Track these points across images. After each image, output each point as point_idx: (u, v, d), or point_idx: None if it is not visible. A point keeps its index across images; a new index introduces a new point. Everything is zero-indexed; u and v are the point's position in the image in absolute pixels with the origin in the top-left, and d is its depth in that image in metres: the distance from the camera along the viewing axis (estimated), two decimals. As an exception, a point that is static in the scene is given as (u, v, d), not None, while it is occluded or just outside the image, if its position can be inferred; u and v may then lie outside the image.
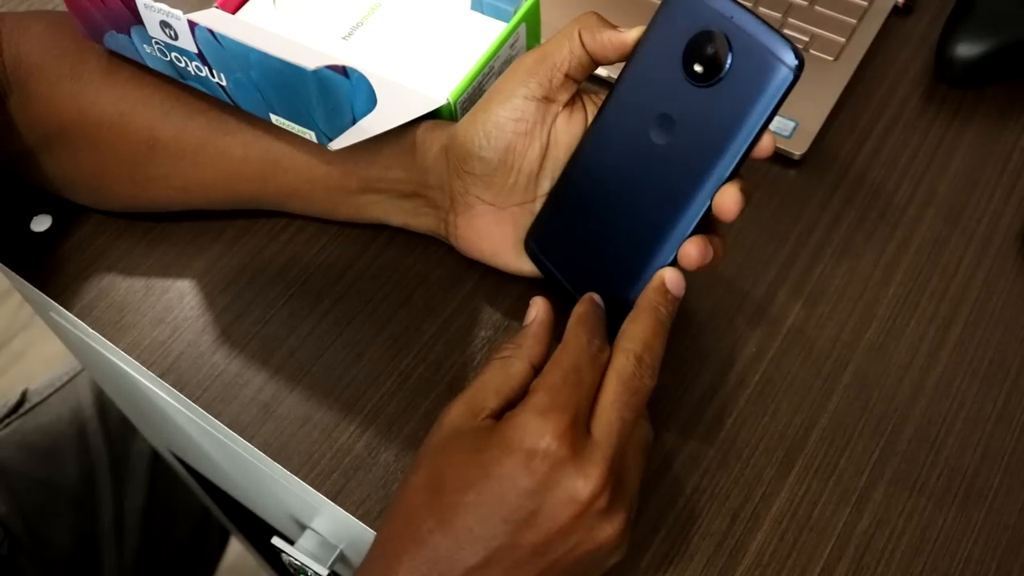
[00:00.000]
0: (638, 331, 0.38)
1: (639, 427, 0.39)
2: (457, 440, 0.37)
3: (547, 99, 0.41)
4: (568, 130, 0.42)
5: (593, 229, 0.42)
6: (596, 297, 0.41)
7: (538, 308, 0.41)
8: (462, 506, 0.35)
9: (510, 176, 0.43)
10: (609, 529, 0.36)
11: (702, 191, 0.38)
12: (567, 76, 0.41)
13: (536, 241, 0.44)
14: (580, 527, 0.36)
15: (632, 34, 0.40)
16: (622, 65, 0.41)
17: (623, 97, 0.41)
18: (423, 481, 0.37)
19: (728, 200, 0.37)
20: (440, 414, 0.39)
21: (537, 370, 0.39)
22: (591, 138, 0.42)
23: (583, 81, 0.42)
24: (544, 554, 0.36)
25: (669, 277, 0.39)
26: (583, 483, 0.35)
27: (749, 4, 0.57)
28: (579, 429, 0.36)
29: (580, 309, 0.40)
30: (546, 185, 0.44)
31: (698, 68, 0.38)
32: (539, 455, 0.35)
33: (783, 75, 0.36)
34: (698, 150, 0.38)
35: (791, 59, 0.36)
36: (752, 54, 0.36)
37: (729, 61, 0.37)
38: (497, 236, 0.45)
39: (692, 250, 0.39)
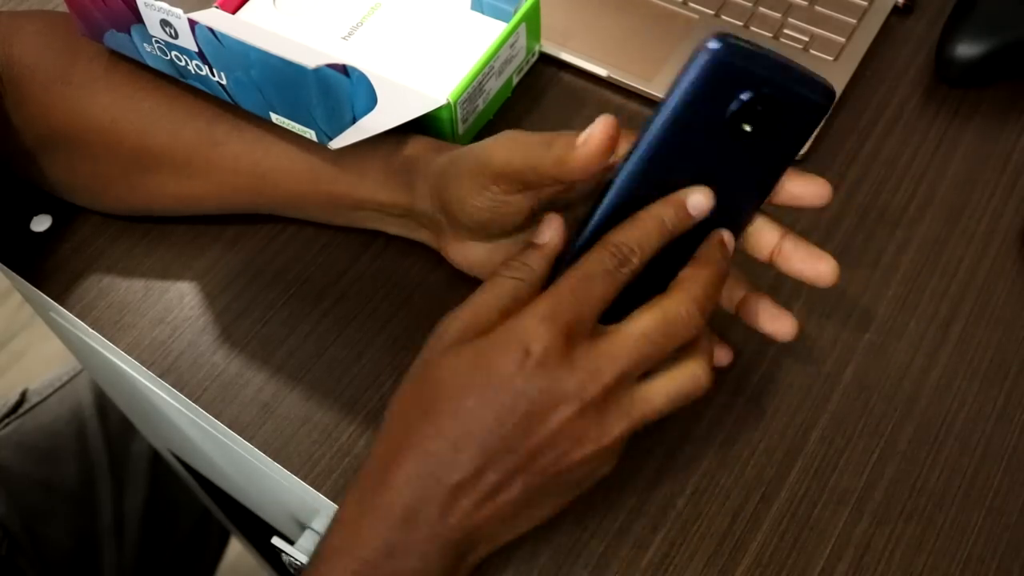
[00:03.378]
0: (702, 276, 0.37)
1: (688, 365, 0.38)
2: (456, 352, 0.37)
3: (522, 191, 0.39)
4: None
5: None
6: (666, 212, 0.37)
7: (553, 230, 0.39)
8: (460, 411, 0.36)
9: (491, 233, 0.42)
10: (601, 438, 0.36)
11: (741, 223, 0.39)
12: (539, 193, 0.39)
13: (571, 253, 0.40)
14: (569, 431, 0.36)
15: (598, 131, 0.36)
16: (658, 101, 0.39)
17: (655, 152, 0.37)
18: (419, 391, 0.37)
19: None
20: (437, 328, 0.38)
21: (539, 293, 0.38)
22: (623, 183, 0.38)
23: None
24: (538, 457, 0.36)
25: (726, 236, 0.39)
26: (574, 386, 0.35)
27: (749, 4, 0.57)
28: (580, 336, 0.36)
29: (637, 216, 0.37)
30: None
31: (746, 127, 0.37)
32: (533, 356, 0.35)
33: (819, 111, 0.37)
34: (739, 191, 0.39)
35: (826, 98, 0.37)
36: (792, 104, 0.37)
37: (772, 117, 0.37)
38: (489, 264, 0.43)
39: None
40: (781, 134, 0.38)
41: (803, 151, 0.52)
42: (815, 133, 0.37)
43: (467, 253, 0.44)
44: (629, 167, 0.37)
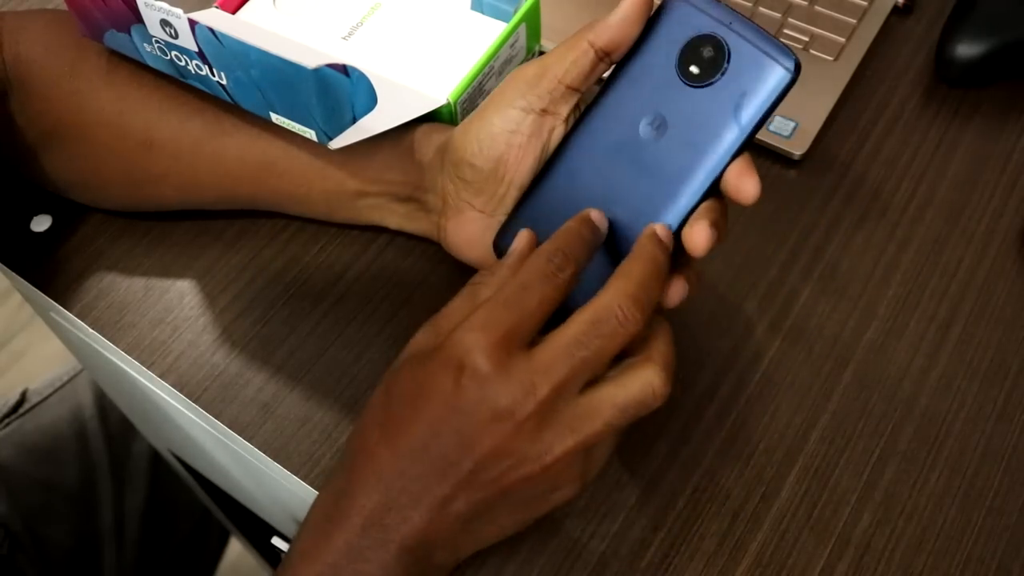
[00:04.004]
0: (635, 270, 0.36)
1: (638, 371, 0.36)
2: (410, 365, 0.37)
3: (545, 111, 0.40)
4: None
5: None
6: (595, 215, 0.38)
7: (520, 239, 0.40)
8: (405, 421, 0.36)
9: (501, 185, 0.42)
10: (542, 456, 0.35)
11: (691, 189, 0.38)
12: (568, 87, 0.40)
13: (506, 239, 0.42)
14: (509, 449, 0.35)
15: (634, 3, 0.38)
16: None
17: (613, 96, 0.40)
18: (379, 400, 0.38)
19: (697, 235, 0.37)
20: (416, 333, 0.39)
21: None
22: (577, 135, 0.41)
23: (584, 91, 0.41)
24: (479, 473, 0.35)
25: (660, 229, 0.38)
26: (508, 402, 0.34)
27: (749, 4, 0.57)
28: (511, 346, 0.35)
29: (564, 226, 0.38)
30: None
31: (694, 69, 0.38)
32: (466, 371, 0.35)
33: (780, 76, 0.37)
34: (690, 149, 0.38)
35: (789, 62, 0.36)
36: (750, 57, 0.37)
37: (727, 63, 0.37)
38: (486, 242, 0.44)
39: (699, 236, 0.37)
40: (739, 91, 0.37)
41: (803, 152, 0.52)
42: (776, 104, 0.37)
43: (466, 229, 0.44)
44: (590, 113, 0.40)
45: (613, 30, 0.38)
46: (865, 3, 0.57)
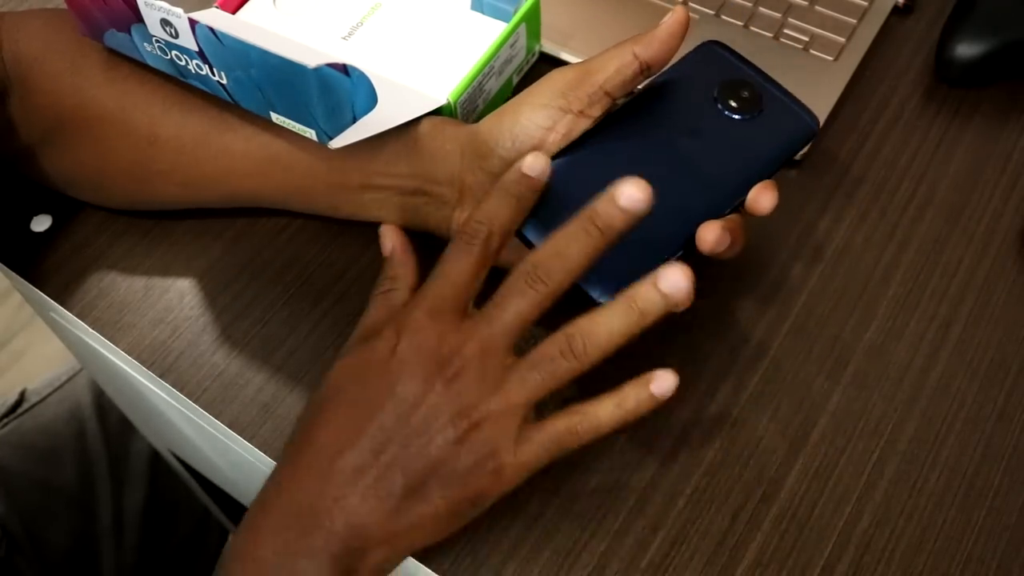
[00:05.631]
0: (554, 238, 0.38)
1: (546, 342, 0.37)
2: (346, 353, 0.40)
3: (581, 113, 0.41)
4: None
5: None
6: (510, 182, 0.39)
7: (390, 237, 0.44)
8: (343, 403, 0.38)
9: None
10: (469, 411, 0.36)
11: (711, 206, 0.40)
12: (607, 93, 0.41)
13: (534, 229, 0.42)
14: (438, 411, 0.36)
15: (679, 15, 0.40)
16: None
17: (646, 108, 0.42)
18: (317, 397, 0.40)
19: (709, 234, 0.39)
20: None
21: (414, 291, 0.41)
22: (606, 135, 0.42)
23: (619, 99, 0.42)
24: (413, 438, 0.36)
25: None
26: (436, 364, 0.37)
27: (749, 4, 0.57)
28: (442, 315, 0.38)
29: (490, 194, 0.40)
30: None
31: (733, 103, 0.42)
32: (402, 341, 0.38)
33: (807, 129, 0.42)
34: (718, 165, 0.41)
35: (814, 121, 0.42)
36: (782, 108, 0.42)
37: (762, 105, 0.42)
38: None
39: (708, 234, 0.39)
40: (771, 131, 0.41)
41: (803, 152, 0.52)
42: (795, 154, 0.42)
43: None
44: (620, 117, 0.42)
45: (659, 44, 0.40)
46: (865, 3, 0.57)
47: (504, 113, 0.42)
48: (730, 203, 0.40)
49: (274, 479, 0.38)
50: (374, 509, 0.36)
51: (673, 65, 0.42)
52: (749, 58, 0.44)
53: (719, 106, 0.42)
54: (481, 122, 0.43)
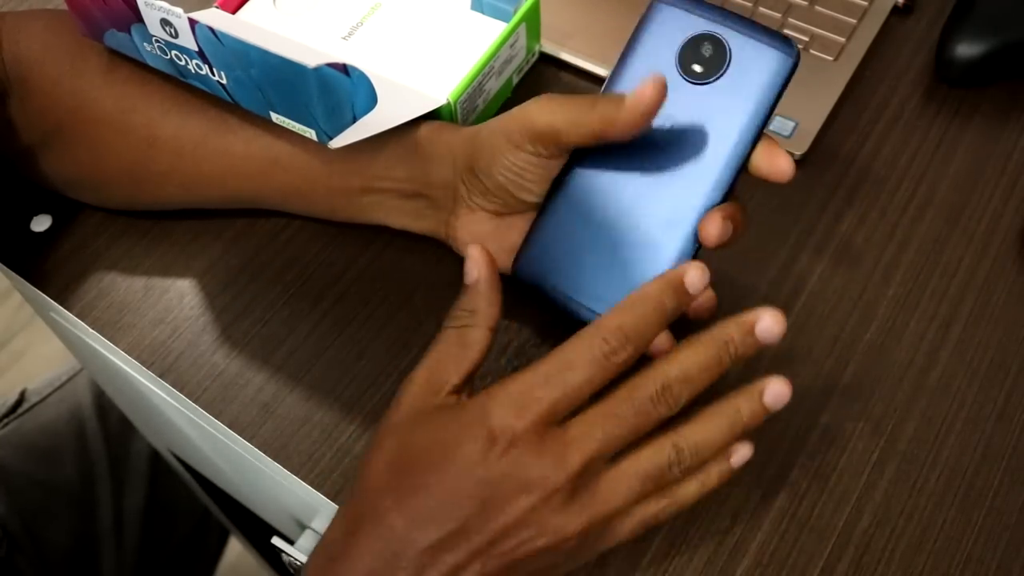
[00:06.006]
0: (689, 358, 0.35)
1: (651, 454, 0.35)
2: (420, 419, 0.36)
3: (555, 155, 0.40)
4: None
5: (595, 239, 0.41)
6: (692, 275, 0.36)
7: (478, 264, 0.38)
8: (421, 487, 0.35)
9: (512, 198, 0.42)
10: (564, 527, 0.34)
11: (713, 186, 0.39)
12: (577, 144, 0.40)
13: (527, 266, 0.42)
14: (531, 520, 0.34)
15: (648, 92, 0.37)
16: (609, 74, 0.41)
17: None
18: (385, 460, 0.36)
19: (711, 227, 0.38)
20: (399, 390, 0.38)
21: (494, 332, 0.38)
22: (588, 153, 0.41)
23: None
24: (497, 544, 0.34)
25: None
26: (536, 473, 0.34)
27: (749, 4, 0.57)
28: (549, 423, 0.34)
29: (640, 291, 0.36)
30: None
31: (697, 68, 0.38)
32: (498, 444, 0.34)
33: (783, 62, 0.38)
34: (707, 147, 0.38)
35: (789, 47, 0.38)
36: (751, 49, 0.38)
37: (729, 58, 0.38)
38: (495, 242, 0.44)
39: (712, 228, 0.38)
40: (745, 83, 0.38)
41: (803, 152, 0.52)
42: (782, 92, 0.38)
43: (475, 228, 0.44)
44: None
45: (625, 120, 0.37)
46: (865, 3, 0.57)
47: (484, 141, 0.41)
48: (728, 183, 0.39)
49: (340, 543, 0.36)
50: None
51: (630, 44, 0.40)
52: None
53: (684, 77, 0.39)
54: (469, 136, 0.42)
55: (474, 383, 0.38)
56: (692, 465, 0.36)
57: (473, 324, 0.37)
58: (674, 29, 0.39)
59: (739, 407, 0.36)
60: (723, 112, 0.38)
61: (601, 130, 0.38)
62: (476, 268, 0.38)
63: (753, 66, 0.38)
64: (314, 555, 0.37)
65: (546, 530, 0.34)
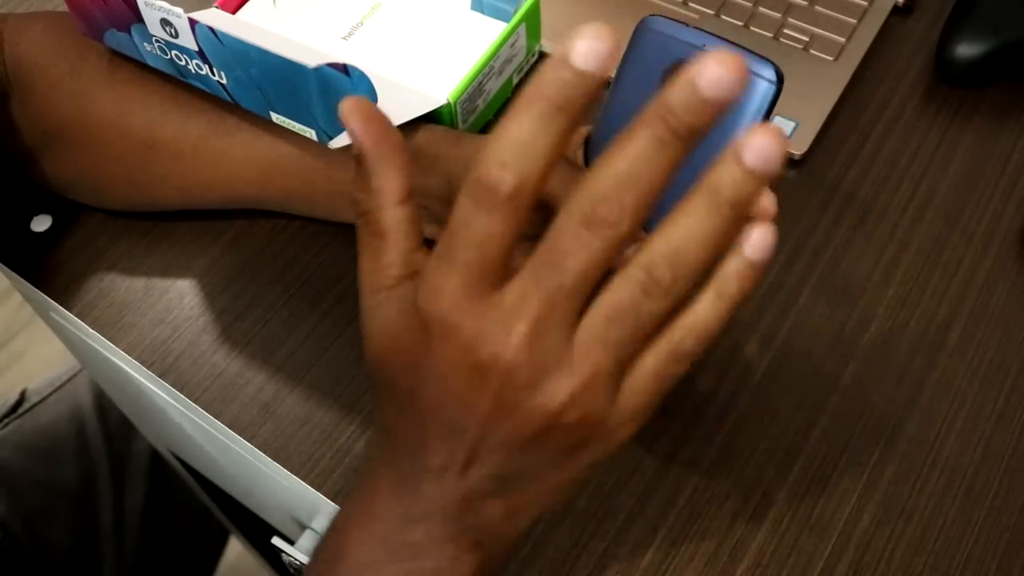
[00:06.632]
0: (672, 231, 0.28)
1: (609, 290, 0.28)
2: (380, 332, 0.32)
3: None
4: None
5: None
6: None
7: (359, 125, 0.31)
8: (413, 390, 0.31)
9: None
10: (545, 404, 0.29)
11: None
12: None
13: None
14: (507, 403, 0.29)
15: None
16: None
17: (604, 135, 0.40)
18: (379, 397, 0.33)
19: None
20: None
21: (409, 202, 0.32)
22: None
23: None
24: (488, 436, 0.30)
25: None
26: (485, 350, 0.28)
27: (749, 4, 0.57)
28: (475, 288, 0.28)
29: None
30: None
31: None
32: (432, 328, 0.29)
33: (765, 89, 0.36)
34: (684, 175, 0.37)
35: (771, 73, 0.36)
36: None
37: None
38: None
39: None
40: (726, 113, 0.37)
41: (803, 152, 0.52)
42: (767, 118, 0.37)
43: None
44: (587, 144, 0.40)
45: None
46: (865, 3, 0.57)
47: (477, 154, 0.39)
48: None
49: (367, 479, 0.34)
50: (476, 493, 0.31)
51: (619, 68, 0.39)
52: None
53: None
54: (458, 156, 0.41)
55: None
56: (679, 279, 0.28)
57: (379, 205, 0.31)
58: (658, 54, 0.38)
59: (714, 184, 0.28)
60: (705, 141, 0.37)
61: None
62: (358, 132, 0.31)
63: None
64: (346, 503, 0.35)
65: (529, 410, 0.29)
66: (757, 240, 0.29)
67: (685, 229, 0.28)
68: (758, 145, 0.27)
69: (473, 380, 0.29)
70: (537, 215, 0.30)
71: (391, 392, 0.33)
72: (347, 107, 0.31)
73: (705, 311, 0.30)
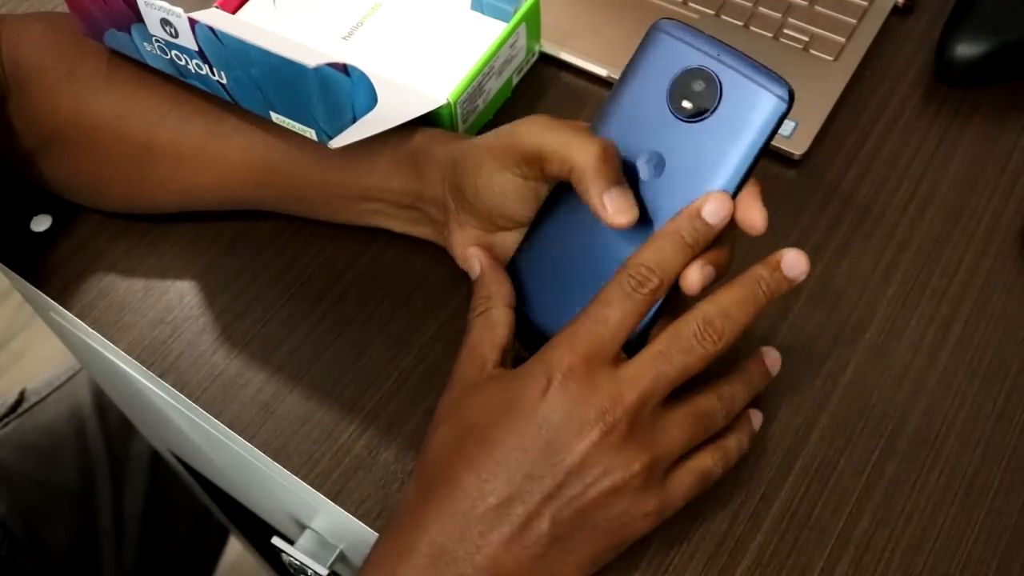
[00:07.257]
0: (725, 296, 0.37)
1: (700, 399, 0.38)
2: (472, 392, 0.38)
3: (539, 178, 0.40)
4: None
5: (572, 273, 0.40)
6: (711, 204, 0.37)
7: (478, 257, 0.42)
8: (487, 441, 0.36)
9: (500, 218, 0.42)
10: (627, 465, 0.35)
11: None
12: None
13: (531, 307, 0.42)
14: (595, 459, 0.35)
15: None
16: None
17: (602, 134, 0.39)
18: (445, 435, 0.38)
19: (692, 276, 0.37)
20: (448, 383, 0.40)
21: (512, 309, 0.40)
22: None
23: None
24: (564, 487, 0.35)
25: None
26: (594, 414, 0.35)
27: (749, 4, 0.57)
28: (601, 362, 0.36)
29: (662, 228, 0.37)
30: None
31: (687, 104, 0.37)
32: (555, 383, 0.35)
33: (775, 105, 0.36)
34: (691, 187, 0.37)
35: (782, 90, 0.36)
36: (743, 88, 0.37)
37: (719, 96, 0.37)
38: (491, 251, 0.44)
39: (692, 276, 0.37)
40: (734, 124, 0.37)
41: (803, 152, 0.52)
42: (774, 135, 0.37)
43: (470, 242, 0.44)
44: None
45: (593, 196, 0.37)
46: (865, 3, 0.57)
47: (469, 160, 0.40)
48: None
49: (409, 515, 0.37)
50: (518, 556, 0.35)
51: (626, 70, 0.39)
52: None
53: (673, 114, 0.38)
54: (462, 149, 0.42)
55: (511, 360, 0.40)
56: (731, 412, 0.38)
57: (492, 306, 0.40)
58: (668, 60, 0.38)
59: (751, 371, 0.39)
60: (709, 153, 0.37)
61: (576, 180, 0.37)
62: (477, 261, 0.42)
63: (744, 107, 0.36)
64: (383, 533, 0.38)
65: (611, 468, 0.35)
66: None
67: (742, 382, 0.40)
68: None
69: (572, 431, 0.35)
70: (534, 169, 0.39)
71: (469, 440, 0.37)
72: (472, 251, 0.42)
73: (731, 446, 0.40)
